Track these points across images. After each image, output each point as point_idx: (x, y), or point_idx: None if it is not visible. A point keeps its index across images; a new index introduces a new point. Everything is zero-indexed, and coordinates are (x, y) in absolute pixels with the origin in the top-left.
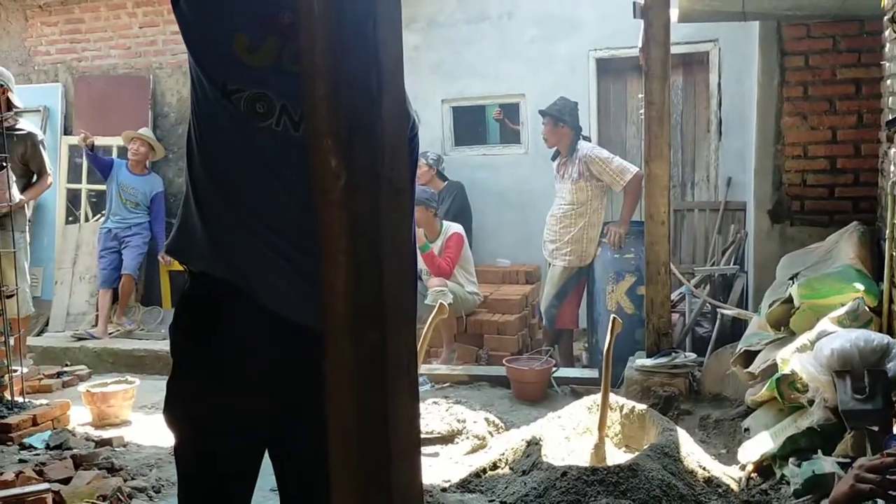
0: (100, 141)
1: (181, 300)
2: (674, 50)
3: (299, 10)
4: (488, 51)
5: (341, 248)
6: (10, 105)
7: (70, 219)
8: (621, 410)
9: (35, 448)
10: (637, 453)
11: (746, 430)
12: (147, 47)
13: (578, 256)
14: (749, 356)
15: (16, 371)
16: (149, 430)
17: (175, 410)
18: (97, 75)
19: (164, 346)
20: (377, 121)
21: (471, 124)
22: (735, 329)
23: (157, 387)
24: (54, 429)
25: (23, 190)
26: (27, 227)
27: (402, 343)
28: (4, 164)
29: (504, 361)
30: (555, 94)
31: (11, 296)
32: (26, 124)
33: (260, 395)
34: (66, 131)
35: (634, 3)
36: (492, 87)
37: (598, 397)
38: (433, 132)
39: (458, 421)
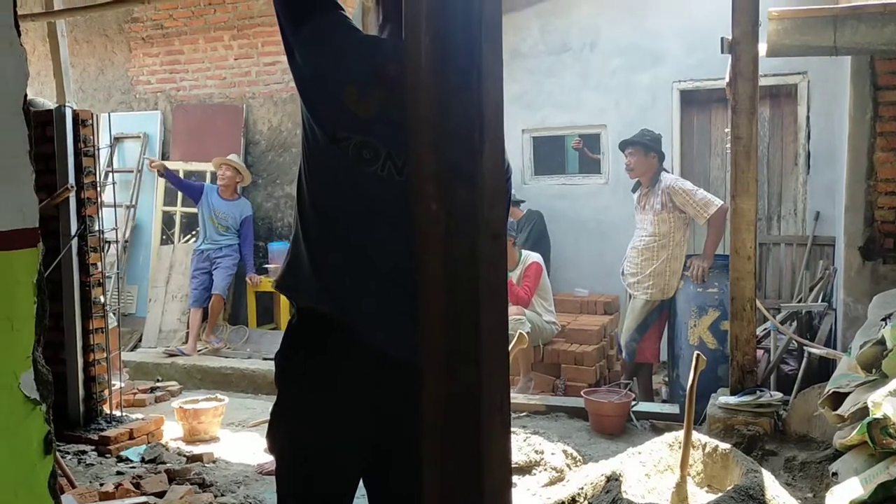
0: (194, 166)
1: (289, 333)
2: (761, 82)
3: (406, 63)
4: (570, 81)
5: (440, 288)
6: None
7: (164, 239)
8: (704, 449)
9: (131, 461)
10: (720, 494)
11: (834, 474)
12: (241, 78)
13: (660, 289)
14: (838, 398)
15: (114, 385)
16: (236, 448)
17: (278, 435)
18: (194, 104)
19: (250, 364)
20: (477, 169)
21: (550, 154)
22: (822, 368)
23: (244, 404)
24: (149, 443)
25: None
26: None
27: (496, 382)
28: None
29: (582, 393)
30: (637, 125)
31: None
32: None
33: (359, 426)
34: (164, 157)
35: (722, 39)
36: (573, 117)
37: (680, 434)
38: (513, 161)
39: (536, 452)
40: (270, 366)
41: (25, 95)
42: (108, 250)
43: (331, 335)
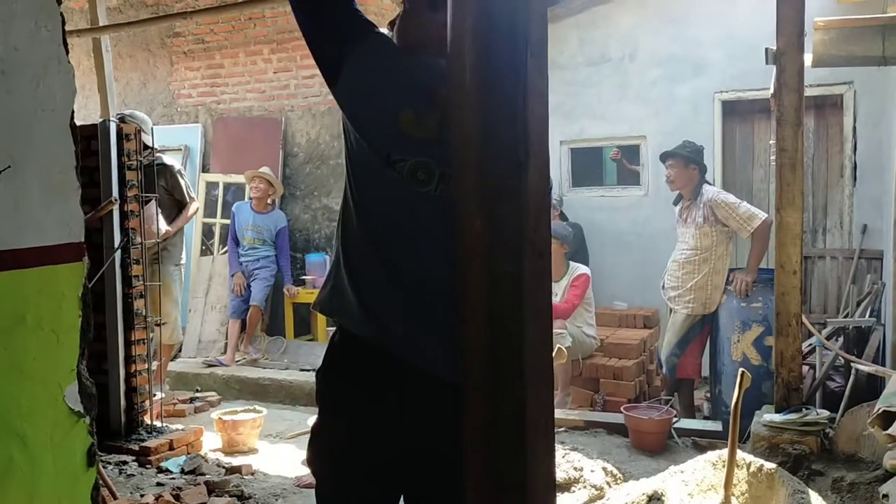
0: (233, 178)
1: (331, 351)
2: (806, 92)
3: (450, 80)
4: (609, 92)
5: (484, 308)
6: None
7: (203, 250)
8: (748, 468)
9: (171, 472)
10: None
11: (885, 496)
12: (280, 91)
13: (702, 304)
14: (888, 417)
15: (155, 395)
16: (274, 460)
17: (318, 453)
18: (234, 117)
19: (287, 375)
20: (523, 187)
21: (588, 165)
22: (871, 386)
23: (282, 416)
24: (188, 454)
25: (171, 222)
26: (182, 259)
27: (541, 405)
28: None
29: (622, 409)
30: (677, 136)
31: (163, 324)
32: (164, 158)
33: (400, 446)
34: (205, 169)
35: (767, 50)
36: (611, 128)
37: (723, 453)
38: (551, 173)
39: (575, 469)
40: (308, 377)
41: (73, 112)
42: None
43: (374, 359)
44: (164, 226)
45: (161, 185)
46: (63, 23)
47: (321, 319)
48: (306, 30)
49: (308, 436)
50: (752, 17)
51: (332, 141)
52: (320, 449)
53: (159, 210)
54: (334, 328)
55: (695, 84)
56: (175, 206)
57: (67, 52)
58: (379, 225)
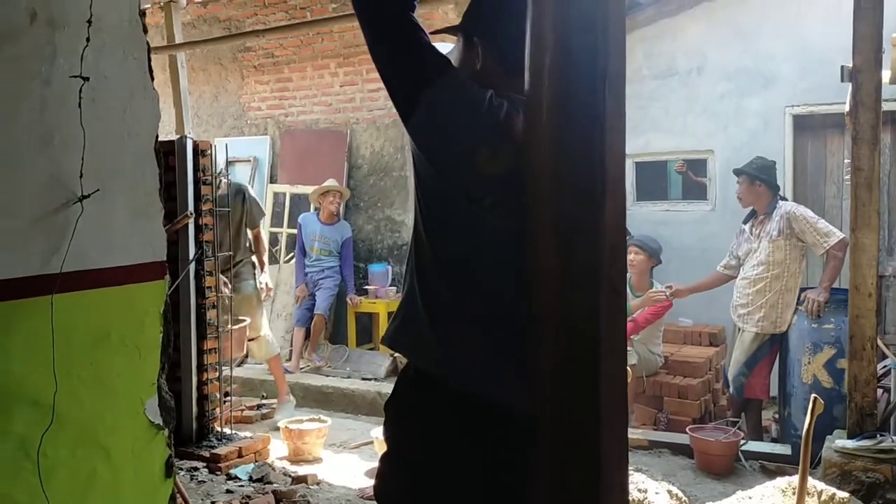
0: (299, 189)
1: (403, 384)
2: (882, 107)
3: (527, 117)
4: (675, 105)
5: (558, 344)
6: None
7: (270, 259)
8: (819, 497)
9: (240, 479)
10: None
11: None
12: (346, 104)
13: (772, 322)
14: None
15: (226, 400)
16: (338, 470)
17: (386, 484)
18: (301, 129)
19: (350, 384)
20: (598, 224)
21: (652, 179)
22: None
23: (345, 425)
24: (256, 461)
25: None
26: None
27: (615, 440)
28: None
29: (688, 430)
30: (746, 151)
31: (253, 339)
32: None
33: (472, 482)
34: (272, 180)
35: (842, 67)
36: (677, 142)
37: (793, 480)
38: None
39: (639, 491)
40: (369, 386)
41: (157, 137)
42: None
43: (450, 397)
44: (266, 279)
45: (246, 210)
46: (149, 51)
47: (382, 328)
48: (383, 70)
49: (370, 446)
50: (824, 30)
51: (396, 153)
52: (388, 479)
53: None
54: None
55: (765, 98)
56: (239, 229)
57: (152, 79)
58: (455, 258)
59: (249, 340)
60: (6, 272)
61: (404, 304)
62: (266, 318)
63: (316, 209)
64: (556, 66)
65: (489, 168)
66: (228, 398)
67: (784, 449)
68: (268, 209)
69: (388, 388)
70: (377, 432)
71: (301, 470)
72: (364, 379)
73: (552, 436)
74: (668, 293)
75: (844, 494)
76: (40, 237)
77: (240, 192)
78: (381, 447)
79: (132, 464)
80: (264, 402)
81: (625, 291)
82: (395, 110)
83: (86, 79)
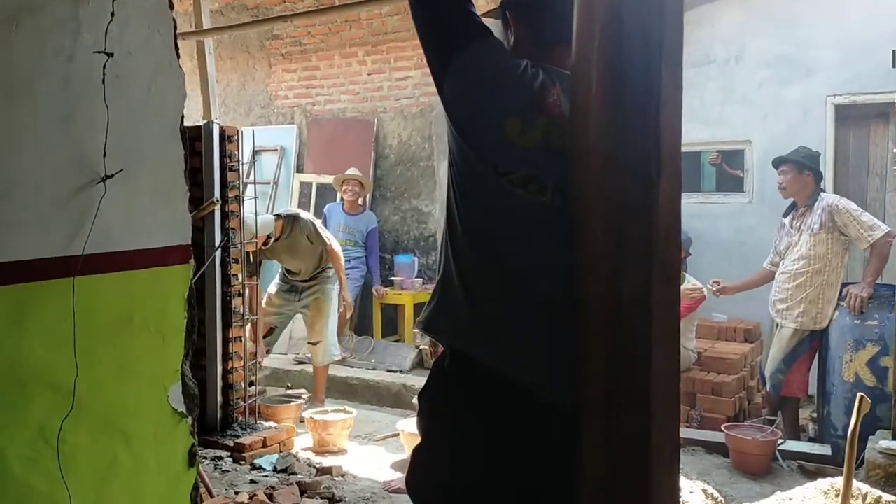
0: (326, 179)
1: (439, 376)
2: None
3: (574, 89)
4: (712, 95)
5: (607, 333)
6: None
7: None
8: (864, 500)
9: (264, 469)
10: None
11: None
12: (373, 93)
13: (812, 318)
14: None
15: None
16: (363, 462)
17: (419, 479)
18: (328, 118)
19: (375, 376)
20: (653, 204)
21: (686, 170)
22: None
23: (370, 417)
24: (281, 452)
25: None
26: (335, 279)
27: (666, 435)
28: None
29: (723, 428)
30: (785, 141)
31: (316, 343)
32: (299, 213)
33: (508, 475)
34: (299, 169)
35: (894, 52)
36: (714, 132)
37: (836, 482)
38: None
39: None
40: (394, 378)
41: (182, 116)
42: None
43: (489, 384)
44: (348, 297)
45: (307, 235)
46: (175, 27)
47: (408, 320)
48: (420, 30)
49: (395, 439)
50: (867, 17)
51: (423, 143)
52: (421, 473)
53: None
54: (442, 351)
55: (805, 87)
56: (315, 250)
57: (178, 57)
58: (491, 238)
59: (310, 343)
60: (27, 253)
61: (440, 286)
62: (332, 325)
63: (342, 199)
64: (608, 35)
65: (520, 140)
66: (254, 387)
67: (824, 449)
68: (294, 199)
69: (413, 380)
70: (403, 425)
71: (326, 461)
72: (389, 371)
73: (597, 430)
74: (714, 289)
75: (891, 497)
76: (62, 218)
77: (295, 220)
78: (407, 440)
79: (154, 451)
80: (289, 392)
81: (678, 278)
82: (423, 99)
83: (110, 55)
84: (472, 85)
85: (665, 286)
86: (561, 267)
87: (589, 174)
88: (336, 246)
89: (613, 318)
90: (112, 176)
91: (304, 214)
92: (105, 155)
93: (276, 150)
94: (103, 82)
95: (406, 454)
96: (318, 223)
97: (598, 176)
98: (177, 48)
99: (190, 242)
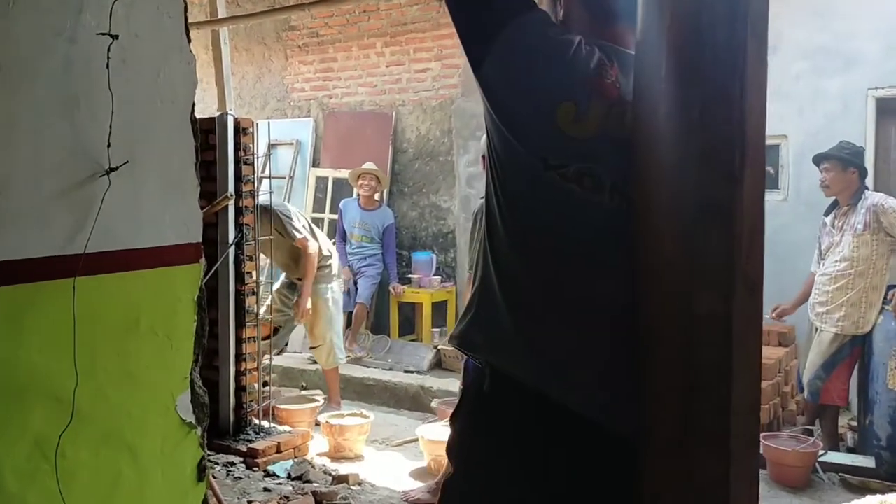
0: (342, 174)
1: (476, 397)
2: None
3: (638, 67)
4: None
5: (678, 354)
6: None
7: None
8: None
9: (278, 476)
10: None
11: None
12: (392, 85)
13: (854, 323)
14: None
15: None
16: (381, 469)
17: None
18: (345, 111)
19: (392, 377)
20: (735, 203)
21: None
22: None
23: (387, 420)
24: (295, 457)
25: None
26: (333, 279)
27: (745, 476)
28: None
29: (761, 438)
30: (823, 136)
31: (316, 347)
32: (264, 199)
33: None
34: (315, 163)
35: None
36: None
37: (887, 498)
38: None
39: None
40: (412, 379)
41: (193, 105)
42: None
43: (533, 406)
44: (305, 305)
45: (275, 228)
46: (185, 10)
47: (425, 319)
48: (454, 4)
49: (414, 444)
50: None
51: (443, 137)
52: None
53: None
54: (478, 366)
55: (845, 79)
56: (286, 244)
57: (189, 42)
58: (538, 241)
59: (312, 348)
60: (24, 251)
61: (477, 295)
62: (334, 328)
63: (358, 195)
64: (683, 1)
65: (573, 128)
66: (267, 388)
67: (867, 461)
68: (310, 194)
69: (431, 381)
70: (422, 430)
71: (342, 468)
72: (407, 371)
73: (667, 468)
74: (773, 316)
75: None
76: (62, 213)
77: (265, 211)
78: (426, 447)
79: (161, 465)
80: (303, 392)
81: (761, 292)
82: (443, 91)
83: (115, 37)
84: (519, 64)
85: (748, 302)
86: (620, 276)
87: (655, 168)
88: (311, 243)
89: (686, 340)
90: (117, 168)
91: (278, 205)
92: (109, 146)
93: (292, 143)
94: (107, 67)
95: (425, 461)
96: (295, 213)
97: (667, 171)
98: (188, 32)
99: (201, 240)
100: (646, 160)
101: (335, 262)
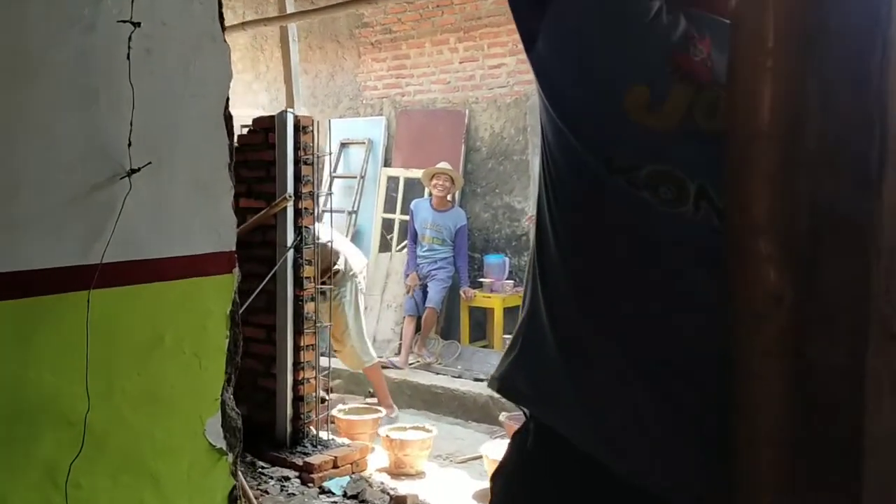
0: (413, 173)
1: (519, 455)
2: None
3: (736, 41)
4: None
5: (788, 422)
6: None
7: (382, 246)
8: None
9: (333, 494)
10: None
11: None
12: (465, 82)
13: None
14: None
15: (327, 399)
16: (442, 487)
17: None
18: (417, 109)
19: (461, 385)
20: (869, 219)
21: None
22: None
23: (452, 433)
24: (353, 473)
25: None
26: (352, 278)
27: None
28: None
29: None
30: None
31: (338, 351)
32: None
33: None
34: (387, 163)
35: None
36: None
37: None
38: None
39: None
40: (481, 388)
41: (227, 99)
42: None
43: (587, 477)
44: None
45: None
46: None
47: (497, 325)
48: None
49: (479, 461)
50: None
51: (517, 135)
52: None
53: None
54: (524, 418)
55: None
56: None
57: (223, 30)
58: (599, 267)
59: (336, 352)
60: (36, 261)
61: (524, 330)
62: (353, 330)
63: (430, 195)
64: None
65: (648, 119)
66: (327, 400)
67: None
68: (381, 194)
69: None
70: (487, 448)
71: (401, 486)
72: (476, 380)
73: None
74: None
75: None
76: (78, 219)
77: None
78: (490, 466)
79: (188, 494)
80: (368, 400)
81: None
82: (518, 87)
83: (136, 24)
84: (578, 37)
85: (887, 352)
86: (707, 314)
87: (758, 172)
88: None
89: (800, 400)
90: (139, 170)
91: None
92: (130, 144)
93: (364, 143)
94: (128, 58)
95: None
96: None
97: (774, 175)
98: (222, 19)
99: (234, 248)
100: (744, 161)
101: (346, 263)
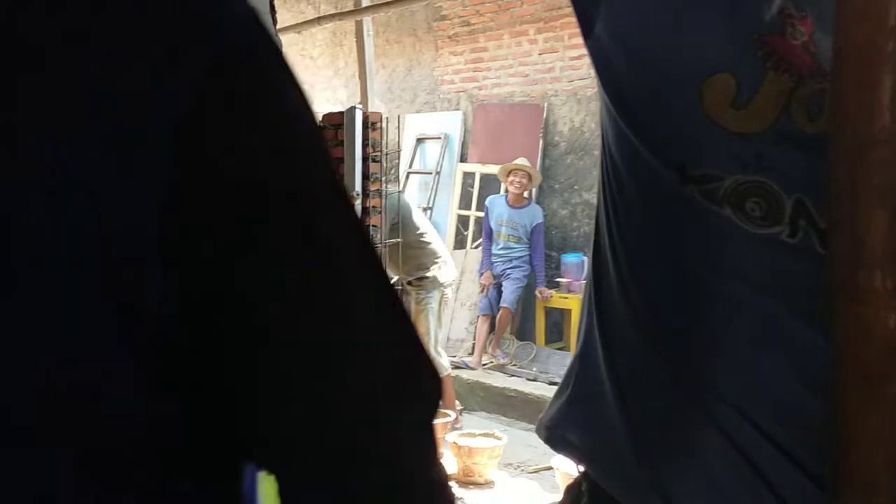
0: (489, 169)
1: None
2: None
3: (842, 22)
4: None
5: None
6: None
7: (457, 242)
8: None
9: None
10: None
11: None
12: (544, 74)
13: None
14: None
15: None
16: (512, 498)
17: None
18: (494, 103)
19: (535, 388)
20: None
21: None
22: None
23: (525, 440)
24: None
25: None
26: (440, 287)
27: None
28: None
29: None
30: None
31: None
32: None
33: None
34: (462, 158)
35: None
36: None
37: None
38: None
39: None
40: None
41: None
42: None
43: None
44: None
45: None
46: None
47: (573, 326)
48: None
49: (550, 472)
50: None
51: (598, 129)
52: None
53: None
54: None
55: None
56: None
57: (274, 13)
58: (671, 295)
59: None
60: None
61: (576, 368)
62: (436, 340)
63: (506, 191)
64: None
65: (731, 118)
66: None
67: None
68: (456, 190)
69: None
70: (557, 461)
71: (469, 495)
72: (552, 383)
73: None
74: None
75: None
76: None
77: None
78: (563, 479)
79: None
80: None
81: None
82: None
83: None
84: (644, 18)
85: None
86: (803, 353)
87: (872, 189)
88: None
89: None
90: None
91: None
92: None
93: (440, 138)
94: None
95: (561, 494)
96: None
97: (894, 192)
98: (273, 9)
99: None
100: (855, 174)
101: (439, 271)
